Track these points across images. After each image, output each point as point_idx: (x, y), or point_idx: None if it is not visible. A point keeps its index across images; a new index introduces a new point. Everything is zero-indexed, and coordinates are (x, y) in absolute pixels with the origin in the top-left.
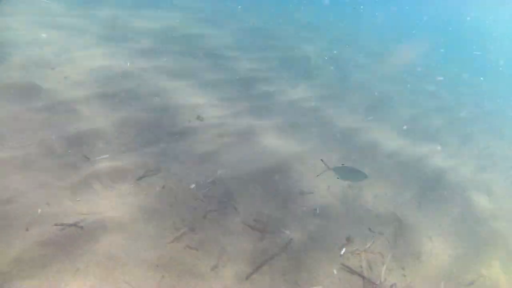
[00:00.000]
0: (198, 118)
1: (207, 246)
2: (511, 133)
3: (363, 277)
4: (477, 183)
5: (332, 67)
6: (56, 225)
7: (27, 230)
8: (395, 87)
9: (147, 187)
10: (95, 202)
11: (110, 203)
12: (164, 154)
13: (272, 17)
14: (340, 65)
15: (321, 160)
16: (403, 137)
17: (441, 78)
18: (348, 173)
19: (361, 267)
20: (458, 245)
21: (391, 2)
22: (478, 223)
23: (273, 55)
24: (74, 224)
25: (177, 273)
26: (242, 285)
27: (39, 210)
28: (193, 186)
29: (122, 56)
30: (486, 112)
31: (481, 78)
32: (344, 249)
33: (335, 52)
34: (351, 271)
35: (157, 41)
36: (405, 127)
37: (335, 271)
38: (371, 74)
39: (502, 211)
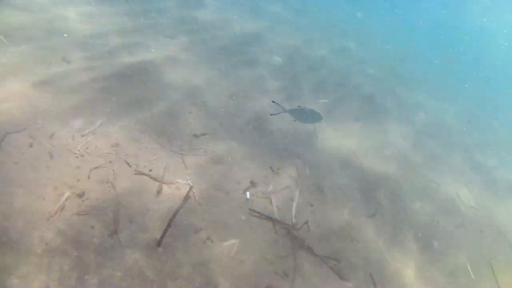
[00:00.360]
0: (64, 59)
1: (99, 209)
2: None
3: (273, 220)
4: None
5: None
6: None
7: None
8: None
9: (12, 150)
10: None
11: None
12: (28, 106)
13: None
14: None
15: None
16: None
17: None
18: (304, 115)
19: (268, 208)
20: None
21: None
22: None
23: None
24: None
25: (73, 247)
26: (156, 254)
27: None
28: (70, 139)
29: None
30: None
31: None
32: (248, 193)
33: None
34: (260, 216)
35: None
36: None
37: (243, 217)
38: None
39: None
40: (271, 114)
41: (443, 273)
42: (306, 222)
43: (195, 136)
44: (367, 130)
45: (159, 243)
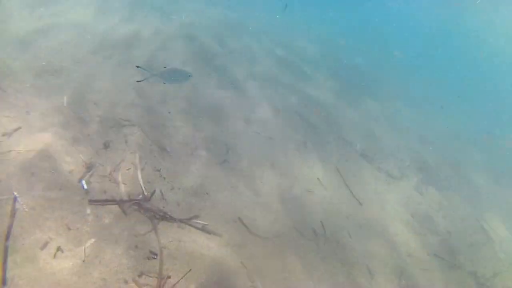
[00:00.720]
0: None
1: None
2: None
3: (119, 201)
4: None
5: None
6: None
7: None
8: None
9: None
10: None
11: None
12: None
13: None
14: None
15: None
16: None
17: None
18: (173, 75)
19: (112, 189)
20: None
21: None
22: None
23: None
24: None
25: None
26: None
27: None
28: None
29: None
30: None
31: None
32: (84, 181)
33: None
34: (103, 202)
35: None
36: None
37: (88, 211)
38: None
39: None
40: (138, 81)
41: (302, 191)
42: (154, 191)
43: (5, 134)
44: None
45: (3, 280)
